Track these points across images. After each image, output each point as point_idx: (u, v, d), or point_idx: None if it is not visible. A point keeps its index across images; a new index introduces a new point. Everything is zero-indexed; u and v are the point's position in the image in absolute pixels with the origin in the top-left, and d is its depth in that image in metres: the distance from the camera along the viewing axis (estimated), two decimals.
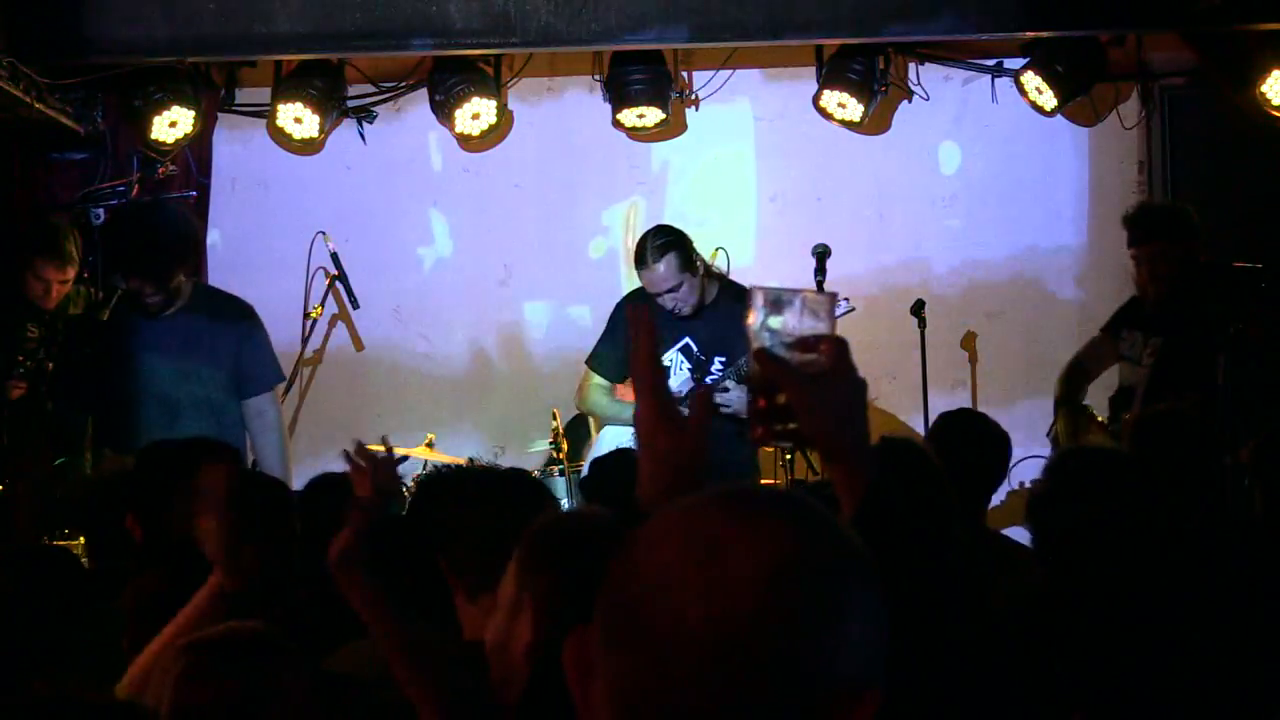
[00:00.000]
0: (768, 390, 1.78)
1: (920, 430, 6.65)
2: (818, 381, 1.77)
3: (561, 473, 6.63)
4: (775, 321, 1.78)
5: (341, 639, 3.20)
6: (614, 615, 1.35)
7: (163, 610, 3.19)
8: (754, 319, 1.78)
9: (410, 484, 4.72)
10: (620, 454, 5.88)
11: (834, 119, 7.58)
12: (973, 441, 4.74)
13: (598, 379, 6.68)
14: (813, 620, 1.30)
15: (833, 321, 1.80)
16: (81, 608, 3.24)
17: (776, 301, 1.78)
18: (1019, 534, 4.63)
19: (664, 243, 6.39)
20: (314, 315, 7.49)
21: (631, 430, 5.74)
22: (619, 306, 6.71)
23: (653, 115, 7.57)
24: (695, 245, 6.49)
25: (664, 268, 6.35)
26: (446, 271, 8.05)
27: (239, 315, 6.48)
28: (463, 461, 6.33)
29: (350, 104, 7.77)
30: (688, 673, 1.29)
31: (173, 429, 6.11)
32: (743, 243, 7.74)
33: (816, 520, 1.36)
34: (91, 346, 6.22)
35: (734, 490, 1.38)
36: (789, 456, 6.60)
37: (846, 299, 6.46)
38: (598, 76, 7.63)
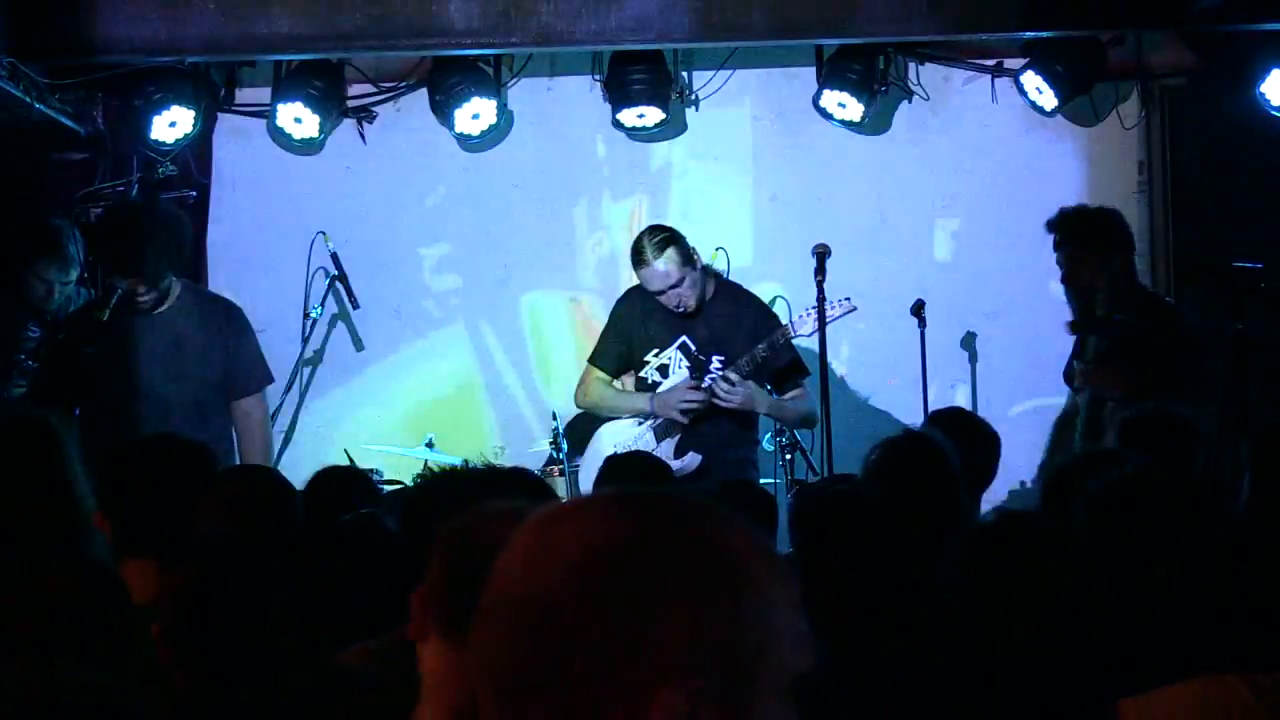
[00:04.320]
0: None
1: None
2: None
3: (561, 473, 6.62)
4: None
5: (349, 636, 3.18)
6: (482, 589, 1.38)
7: (193, 607, 3.04)
8: None
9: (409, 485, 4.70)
10: (639, 456, 5.88)
11: (834, 119, 7.58)
12: (962, 440, 4.73)
13: (599, 373, 6.66)
14: (618, 605, 1.30)
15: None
16: None
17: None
18: None
19: (662, 239, 6.34)
20: (314, 315, 7.48)
21: (630, 431, 5.71)
22: (619, 302, 6.71)
23: (653, 115, 7.57)
24: (691, 243, 6.48)
25: (664, 263, 6.30)
26: (446, 271, 8.04)
27: (228, 317, 6.45)
28: (459, 462, 6.30)
29: (350, 104, 7.77)
30: (500, 638, 1.33)
31: (163, 429, 6.02)
32: (743, 243, 7.73)
33: (668, 515, 1.36)
34: (93, 346, 6.17)
35: (628, 488, 1.40)
36: (789, 457, 6.60)
37: (848, 298, 6.46)
38: (598, 76, 7.64)
